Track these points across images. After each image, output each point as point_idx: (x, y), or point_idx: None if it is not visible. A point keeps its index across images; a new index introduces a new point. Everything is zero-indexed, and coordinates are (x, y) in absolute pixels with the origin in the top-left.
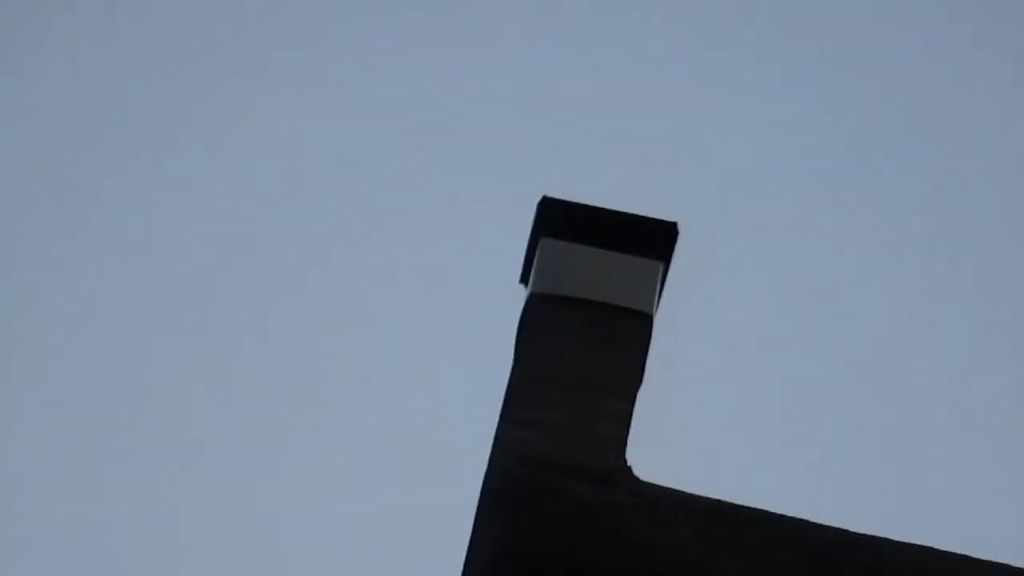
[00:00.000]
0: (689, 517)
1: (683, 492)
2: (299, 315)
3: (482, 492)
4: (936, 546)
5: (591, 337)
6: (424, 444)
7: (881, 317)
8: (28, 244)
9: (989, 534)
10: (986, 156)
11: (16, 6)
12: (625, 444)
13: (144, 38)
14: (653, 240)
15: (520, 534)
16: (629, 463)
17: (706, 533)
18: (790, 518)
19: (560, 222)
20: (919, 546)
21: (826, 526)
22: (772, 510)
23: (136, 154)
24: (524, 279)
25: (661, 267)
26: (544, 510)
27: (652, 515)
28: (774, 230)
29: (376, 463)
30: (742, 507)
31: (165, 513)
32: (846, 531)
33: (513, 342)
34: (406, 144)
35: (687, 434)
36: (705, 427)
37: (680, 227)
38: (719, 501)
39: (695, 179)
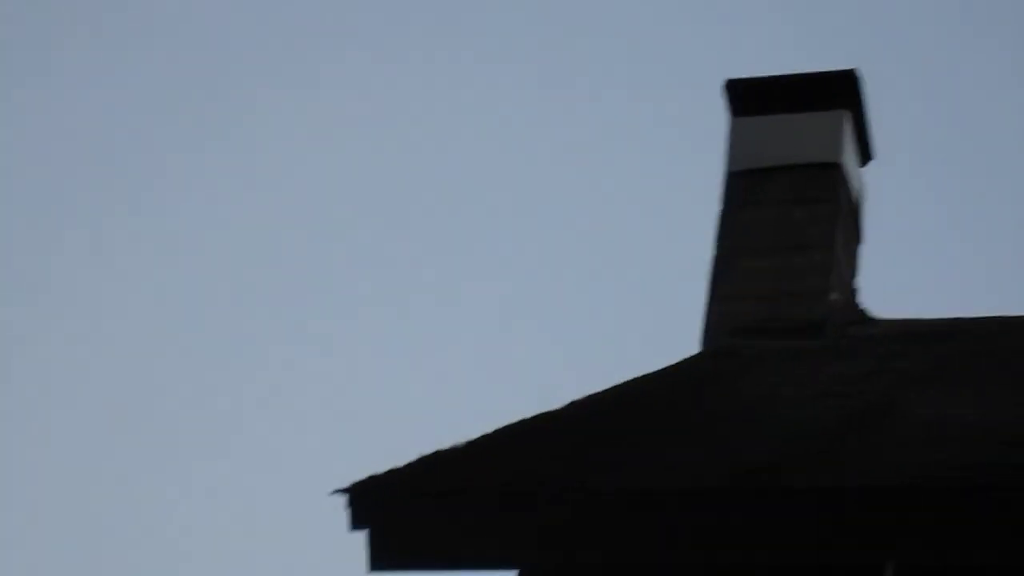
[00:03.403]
0: (889, 348)
1: (899, 321)
2: None
3: (693, 362)
4: None
5: (784, 199)
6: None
7: None
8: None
9: None
10: None
11: None
12: (827, 292)
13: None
14: (834, 92)
15: (731, 401)
16: (851, 303)
17: (916, 358)
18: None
19: (746, 99)
20: None
21: None
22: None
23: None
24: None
25: (847, 115)
26: (754, 373)
27: (854, 353)
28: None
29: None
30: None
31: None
32: None
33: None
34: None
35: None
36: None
37: (859, 73)
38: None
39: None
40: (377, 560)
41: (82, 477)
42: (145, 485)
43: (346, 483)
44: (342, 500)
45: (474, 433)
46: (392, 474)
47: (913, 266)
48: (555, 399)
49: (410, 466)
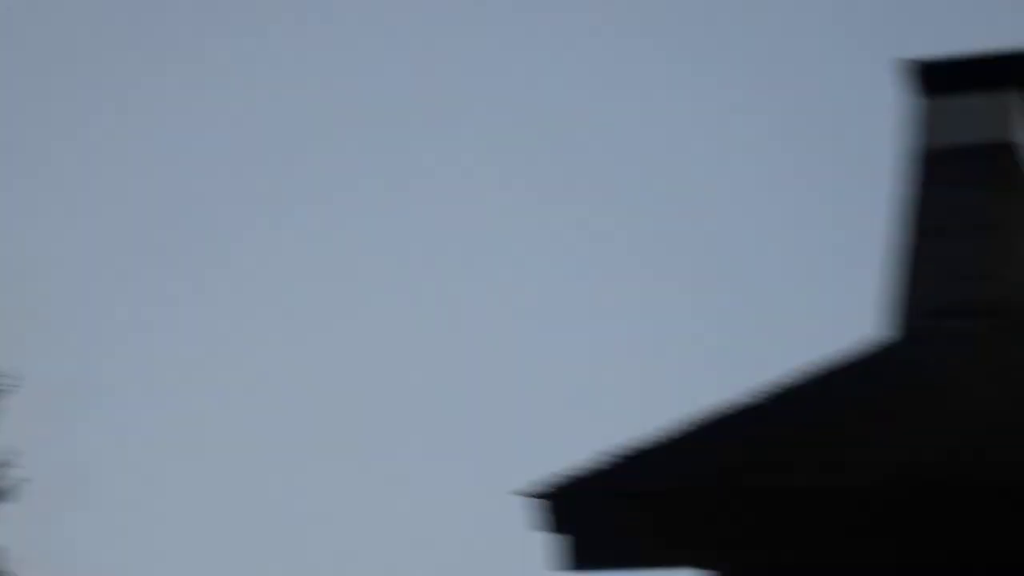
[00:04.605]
0: None
1: None
2: None
3: (878, 348)
4: None
5: (968, 180)
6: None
7: None
8: None
9: None
10: None
11: None
12: (1013, 274)
13: None
14: (1014, 72)
15: (919, 383)
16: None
17: None
18: None
19: (927, 79)
20: None
21: None
22: None
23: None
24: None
25: None
26: (935, 357)
27: None
28: None
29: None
30: None
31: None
32: None
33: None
34: None
35: None
36: None
37: None
38: None
39: None
40: (571, 561)
41: (272, 477)
42: (321, 476)
43: (526, 482)
44: (521, 499)
45: (651, 424)
46: (586, 475)
47: None
48: (737, 386)
49: (600, 465)
